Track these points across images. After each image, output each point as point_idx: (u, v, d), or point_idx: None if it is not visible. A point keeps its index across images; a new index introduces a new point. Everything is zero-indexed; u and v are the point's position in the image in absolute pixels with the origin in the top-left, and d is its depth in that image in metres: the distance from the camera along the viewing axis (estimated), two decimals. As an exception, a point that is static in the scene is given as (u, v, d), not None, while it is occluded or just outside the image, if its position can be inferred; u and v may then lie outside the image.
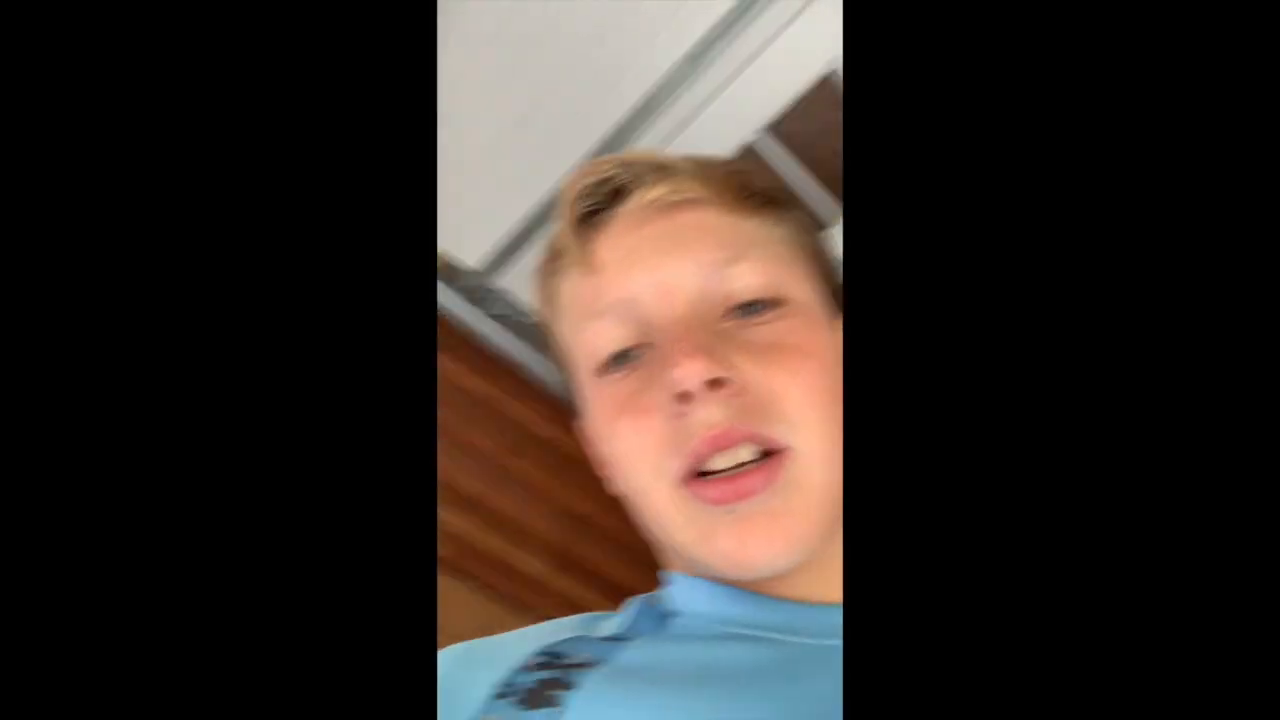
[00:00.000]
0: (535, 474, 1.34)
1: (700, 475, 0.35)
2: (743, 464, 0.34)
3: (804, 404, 0.35)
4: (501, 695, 0.34)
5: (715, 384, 0.34)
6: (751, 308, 0.37)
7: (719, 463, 0.35)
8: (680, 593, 0.39)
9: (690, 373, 0.33)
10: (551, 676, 0.34)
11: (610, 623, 0.39)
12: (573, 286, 0.40)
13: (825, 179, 1.16)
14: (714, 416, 0.34)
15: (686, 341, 0.34)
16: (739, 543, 0.34)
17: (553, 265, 0.42)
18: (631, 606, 0.39)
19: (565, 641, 0.37)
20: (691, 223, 0.38)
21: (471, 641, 0.39)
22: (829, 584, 0.36)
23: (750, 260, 0.37)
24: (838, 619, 0.34)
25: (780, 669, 0.33)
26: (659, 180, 0.38)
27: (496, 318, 1.31)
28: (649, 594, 0.41)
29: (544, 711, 0.32)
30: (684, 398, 0.34)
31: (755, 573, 0.34)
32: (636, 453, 0.36)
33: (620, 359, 0.38)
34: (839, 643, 0.33)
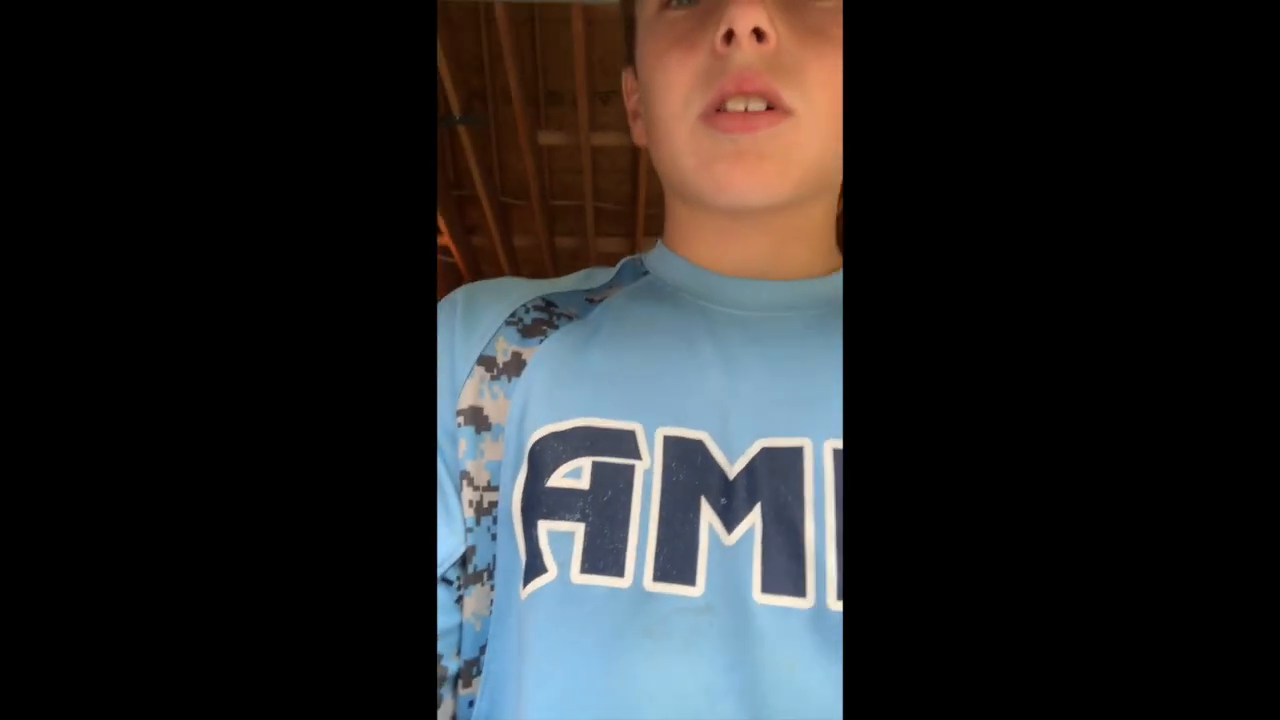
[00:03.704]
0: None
1: (718, 112, 0.41)
2: (753, 112, 0.41)
3: (821, 84, 0.40)
4: (509, 322, 0.45)
5: (759, 34, 0.39)
6: None
7: (735, 104, 0.41)
8: (654, 258, 0.51)
9: (744, 15, 0.38)
10: (544, 317, 0.45)
11: (601, 274, 0.51)
12: None
13: None
14: (748, 61, 0.40)
15: None
16: (729, 170, 0.41)
17: None
18: (621, 262, 0.52)
19: (561, 294, 0.48)
20: None
21: (500, 279, 0.50)
22: (773, 269, 0.46)
23: None
24: (762, 295, 0.45)
25: (701, 326, 0.44)
26: None
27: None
28: (635, 254, 0.53)
29: (534, 339, 0.44)
30: (729, 37, 0.39)
31: (735, 200, 0.42)
32: (675, 84, 0.42)
33: None
34: (757, 314, 0.44)
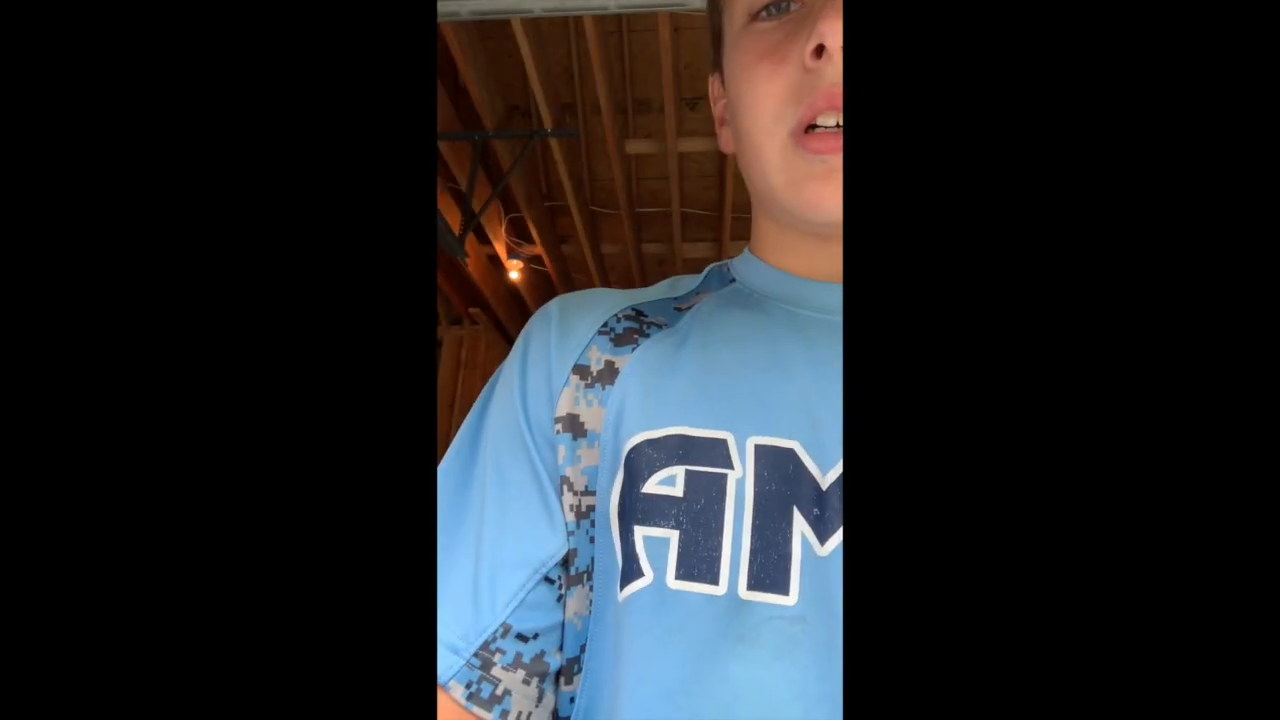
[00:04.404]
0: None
1: (807, 131, 0.42)
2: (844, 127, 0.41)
3: None
4: (601, 331, 0.46)
5: None
6: None
7: (826, 120, 0.41)
8: (741, 265, 0.51)
9: (834, 30, 0.38)
10: (635, 326, 0.47)
11: (688, 282, 0.52)
12: None
13: None
14: (838, 77, 0.40)
15: (837, 3, 0.39)
16: (820, 189, 0.41)
17: None
18: (708, 269, 0.53)
19: (650, 303, 0.49)
20: None
21: (590, 290, 0.51)
22: None
23: None
24: (839, 298, 0.44)
25: (790, 332, 0.44)
26: None
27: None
28: (722, 262, 0.53)
29: (626, 348, 0.45)
30: (819, 51, 0.39)
31: (826, 216, 0.42)
32: (765, 97, 0.42)
33: (774, 8, 0.43)
34: (833, 318, 0.44)
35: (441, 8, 1.78)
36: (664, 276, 0.56)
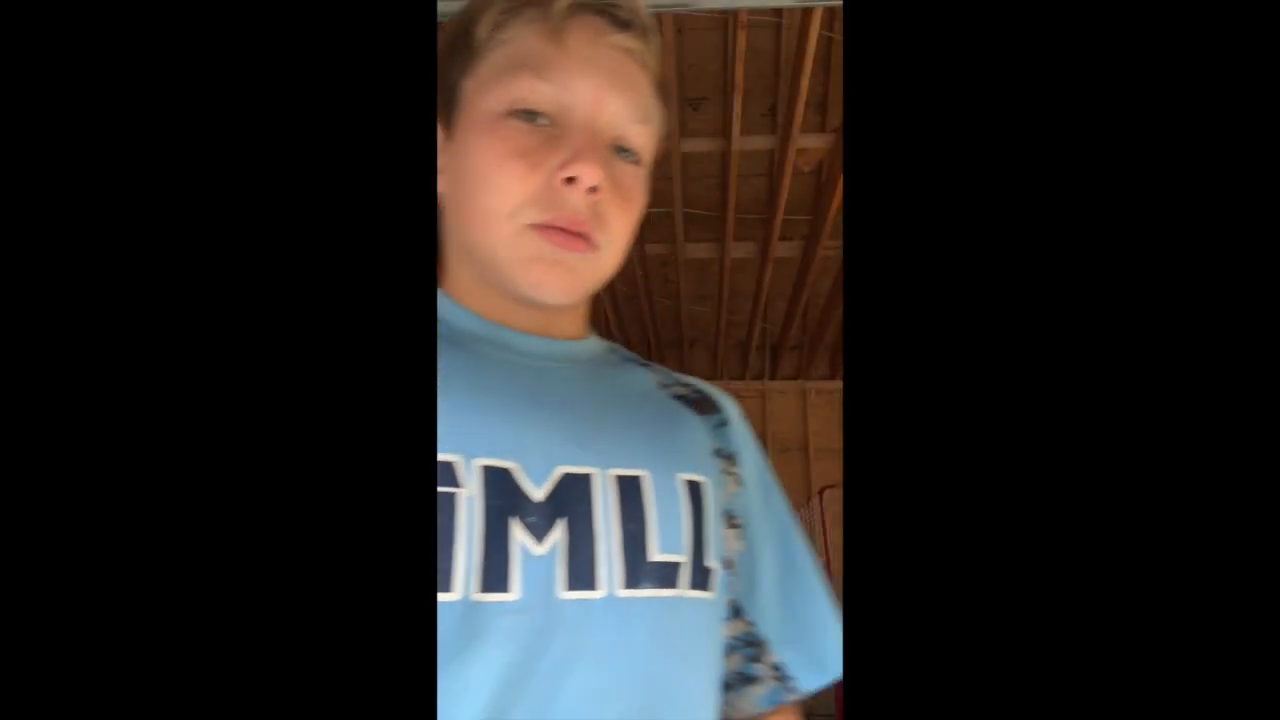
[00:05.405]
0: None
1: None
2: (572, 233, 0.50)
3: (620, 230, 0.52)
4: None
5: (594, 190, 0.48)
6: (626, 153, 0.52)
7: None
8: (442, 308, 0.56)
9: (589, 173, 0.48)
10: None
11: None
12: (527, 35, 0.51)
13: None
14: (579, 206, 0.49)
15: (597, 151, 0.49)
16: (546, 273, 0.50)
17: (520, 6, 0.52)
18: None
19: None
20: (639, 78, 0.53)
21: None
22: (547, 329, 0.55)
23: (646, 125, 0.53)
24: (546, 348, 0.54)
25: (498, 370, 0.51)
26: (645, 35, 0.53)
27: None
28: None
29: None
30: (572, 182, 0.48)
31: (544, 296, 0.51)
32: (512, 193, 0.49)
33: (530, 115, 0.50)
34: (543, 364, 0.53)
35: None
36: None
